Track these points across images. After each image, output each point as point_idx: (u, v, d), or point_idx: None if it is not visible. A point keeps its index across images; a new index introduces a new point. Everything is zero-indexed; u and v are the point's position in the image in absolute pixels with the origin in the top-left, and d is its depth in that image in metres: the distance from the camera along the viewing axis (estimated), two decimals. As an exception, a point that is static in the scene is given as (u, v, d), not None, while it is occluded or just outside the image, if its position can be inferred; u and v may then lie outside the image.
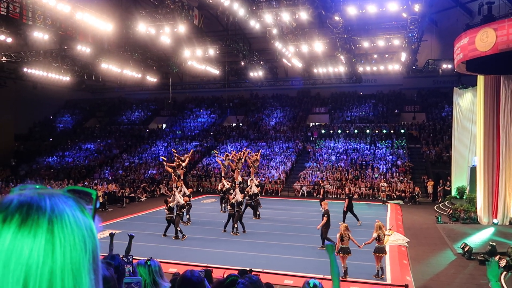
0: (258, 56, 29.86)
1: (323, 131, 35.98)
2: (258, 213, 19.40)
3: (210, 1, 18.20)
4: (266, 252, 13.29)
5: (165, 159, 21.87)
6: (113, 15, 19.18)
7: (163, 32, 20.43)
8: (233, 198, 16.13)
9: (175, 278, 4.05)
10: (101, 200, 21.78)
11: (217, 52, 27.38)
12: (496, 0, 18.62)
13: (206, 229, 16.91)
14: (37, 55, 25.38)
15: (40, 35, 19.10)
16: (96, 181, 29.45)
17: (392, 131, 34.14)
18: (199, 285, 2.58)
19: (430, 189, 26.46)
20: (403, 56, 26.86)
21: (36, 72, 27.98)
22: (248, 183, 20.33)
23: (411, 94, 38.60)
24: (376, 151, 32.20)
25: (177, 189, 17.00)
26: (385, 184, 26.66)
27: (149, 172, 33.06)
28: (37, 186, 0.75)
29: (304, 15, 18.57)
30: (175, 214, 15.51)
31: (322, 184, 26.79)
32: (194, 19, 19.67)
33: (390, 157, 31.02)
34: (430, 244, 14.80)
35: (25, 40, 20.55)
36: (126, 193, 25.83)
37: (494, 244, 12.66)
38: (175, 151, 21.70)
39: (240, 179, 21.26)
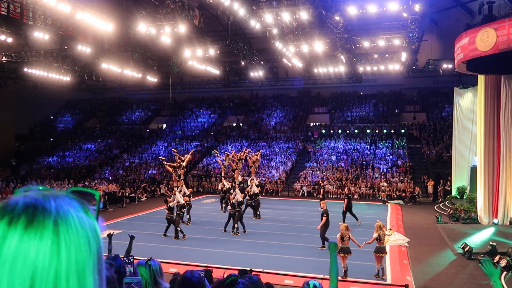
0: (258, 56, 29.86)
1: (323, 131, 35.98)
2: (258, 213, 19.39)
3: (211, 1, 18.20)
4: (266, 252, 13.29)
5: (164, 158, 21.88)
6: (113, 15, 19.18)
7: (164, 32, 20.43)
8: (234, 198, 16.13)
9: (175, 278, 4.05)
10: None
11: (218, 52, 27.37)
12: (497, 0, 18.60)
13: (206, 229, 16.91)
14: (38, 55, 25.39)
15: (40, 35, 19.11)
16: (96, 181, 29.46)
17: (392, 131, 34.14)
18: (199, 286, 2.58)
19: (430, 189, 26.45)
20: (404, 56, 26.85)
21: (36, 72, 27.99)
22: (249, 183, 20.33)
23: (411, 94, 38.59)
24: (377, 151, 32.19)
25: (177, 189, 17.00)
26: (386, 184, 26.65)
27: (150, 172, 33.07)
28: (40, 188, 0.75)
29: (304, 15, 18.56)
30: (175, 214, 15.51)
31: (322, 184, 26.80)
32: (195, 19, 19.67)
33: (391, 157, 31.02)
34: (431, 244, 14.80)
35: (25, 40, 20.57)
36: (127, 193, 25.84)
37: (494, 244, 12.66)
38: (176, 151, 21.69)
39: (240, 179, 21.26)
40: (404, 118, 36.64)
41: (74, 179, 31.14)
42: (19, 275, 0.64)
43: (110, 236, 6.95)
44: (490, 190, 17.44)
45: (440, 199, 24.98)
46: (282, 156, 33.30)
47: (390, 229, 15.24)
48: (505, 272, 11.04)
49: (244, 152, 22.37)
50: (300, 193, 28.37)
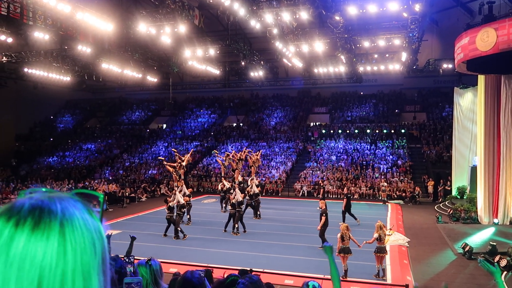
0: (258, 56, 29.85)
1: (323, 131, 35.98)
2: (258, 213, 19.39)
3: (211, 1, 18.20)
4: (266, 252, 13.29)
5: (163, 159, 21.89)
6: (113, 15, 19.18)
7: (164, 32, 20.43)
8: (234, 198, 16.13)
9: (175, 278, 4.05)
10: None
11: (218, 52, 27.37)
12: (497, 0, 18.60)
13: (206, 229, 16.91)
14: (38, 55, 25.38)
15: (40, 35, 19.10)
16: (96, 181, 29.46)
17: (392, 131, 34.14)
18: (199, 286, 2.58)
19: (430, 189, 26.45)
20: (404, 56, 26.85)
21: (36, 72, 27.99)
22: (249, 183, 20.33)
23: (411, 94, 38.59)
24: (377, 151, 32.19)
25: (177, 189, 17.00)
26: (386, 184, 26.65)
27: (150, 172, 33.07)
28: (44, 189, 0.77)
29: (304, 15, 18.56)
30: (175, 213, 15.52)
31: (322, 184, 26.80)
32: (195, 19, 19.67)
33: (391, 157, 31.02)
34: (431, 244, 14.80)
35: (25, 40, 20.57)
36: (127, 193, 25.84)
37: (494, 244, 12.65)
38: (176, 151, 21.69)
39: (240, 178, 21.26)
40: (404, 118, 36.64)
41: (74, 179, 31.14)
42: (26, 276, 0.65)
43: (108, 237, 6.94)
44: (490, 190, 17.43)
45: (440, 199, 24.97)
46: (282, 156, 33.30)
47: (390, 229, 15.22)
48: (505, 272, 11.04)
49: (244, 152, 22.37)
50: (300, 193, 28.37)
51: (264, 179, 29.58)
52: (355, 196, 26.61)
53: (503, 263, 11.15)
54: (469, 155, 23.37)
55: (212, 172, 31.82)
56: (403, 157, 30.66)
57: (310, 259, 12.54)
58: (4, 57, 25.88)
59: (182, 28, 19.78)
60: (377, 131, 34.59)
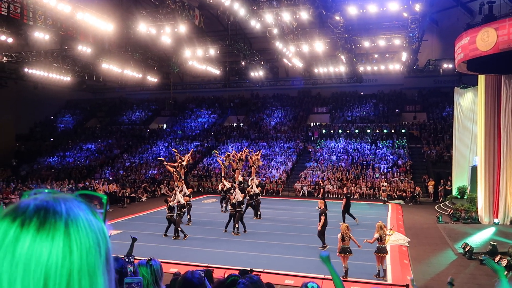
0: (258, 56, 29.85)
1: (323, 131, 35.97)
2: (259, 213, 19.39)
3: (211, 1, 18.20)
4: (267, 252, 13.29)
5: (163, 159, 21.90)
6: (113, 15, 19.18)
7: (164, 32, 20.43)
8: (234, 198, 16.14)
9: (175, 278, 4.05)
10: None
11: (218, 52, 27.37)
12: (497, 0, 18.59)
13: (207, 229, 16.91)
14: (38, 55, 25.39)
15: (41, 35, 19.11)
16: (97, 181, 29.47)
17: (393, 131, 34.13)
18: (200, 286, 2.57)
19: (431, 189, 26.44)
20: (404, 56, 26.84)
21: (37, 72, 28.00)
22: (249, 183, 20.33)
23: (412, 93, 38.58)
24: (377, 151, 32.19)
25: (178, 189, 17.00)
26: (386, 184, 26.64)
27: (150, 172, 33.08)
28: (47, 190, 0.78)
29: (304, 15, 18.55)
30: (175, 213, 15.52)
31: (322, 184, 26.80)
32: (195, 19, 19.67)
33: (391, 157, 31.01)
34: (431, 244, 14.79)
35: (26, 40, 20.57)
36: (127, 193, 25.84)
37: (495, 244, 12.65)
38: (176, 151, 21.70)
39: (240, 178, 21.26)
40: (405, 118, 36.63)
41: (74, 179, 31.14)
42: (32, 276, 0.66)
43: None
44: (490, 190, 17.43)
45: (441, 199, 24.97)
46: (283, 156, 33.30)
47: (391, 229, 15.22)
48: (505, 272, 11.03)
49: (245, 152, 22.37)
50: (301, 193, 28.37)
51: (264, 179, 29.58)
52: (356, 196, 26.61)
53: (504, 263, 11.14)
54: (469, 155, 23.37)
55: (212, 172, 31.82)
56: (403, 157, 30.65)
57: (310, 259, 12.53)
58: (4, 57, 25.89)
59: (182, 28, 19.79)
60: (377, 131, 34.58)
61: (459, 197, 22.96)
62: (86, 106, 48.51)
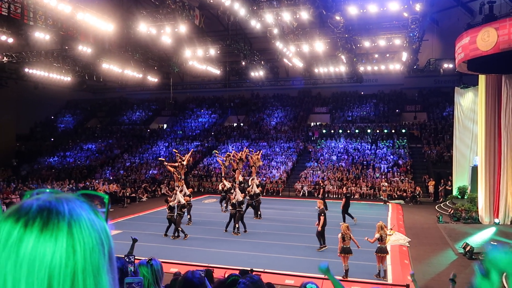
0: (259, 56, 29.85)
1: (324, 131, 35.97)
2: (259, 213, 19.39)
3: (211, 1, 18.20)
4: (267, 252, 13.28)
5: (164, 159, 21.90)
6: (114, 15, 19.18)
7: (164, 32, 20.44)
8: (234, 198, 16.14)
9: (176, 278, 4.05)
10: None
11: (218, 52, 27.37)
12: (497, 0, 18.58)
13: (207, 229, 16.91)
14: (38, 56, 25.40)
15: (41, 36, 19.11)
16: (97, 181, 29.48)
17: (393, 131, 34.12)
18: (200, 286, 2.58)
19: (431, 188, 26.43)
20: (404, 56, 26.83)
21: (37, 72, 28.01)
22: (249, 183, 20.33)
23: (412, 93, 38.56)
24: (377, 150, 32.18)
25: (178, 189, 17.00)
26: (386, 183, 26.63)
27: (150, 172, 33.08)
28: (48, 190, 0.78)
29: (305, 14, 18.55)
30: (175, 213, 15.52)
31: (321, 184, 26.80)
32: (195, 19, 19.67)
33: (391, 156, 31.00)
34: (431, 244, 14.79)
35: (26, 41, 20.56)
36: (127, 193, 25.85)
37: (495, 244, 12.63)
38: (177, 151, 21.71)
39: (241, 178, 21.26)
40: (405, 118, 36.62)
41: (75, 179, 31.15)
42: (36, 276, 0.66)
43: None
44: (491, 189, 17.42)
45: (441, 199, 24.96)
46: (283, 156, 33.30)
47: (391, 229, 15.23)
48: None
49: (245, 152, 22.38)
50: (301, 193, 28.37)
51: (264, 179, 29.58)
52: (356, 196, 26.62)
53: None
54: (470, 155, 23.36)
55: (212, 172, 31.83)
56: (403, 157, 30.64)
57: (310, 259, 12.53)
58: (4, 57, 25.90)
59: (183, 28, 19.79)
60: (377, 131, 34.58)
61: (459, 197, 22.95)
62: (87, 106, 48.52)
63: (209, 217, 19.56)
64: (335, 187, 27.95)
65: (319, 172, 30.12)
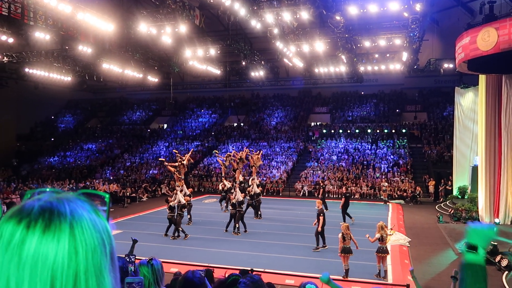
0: (259, 56, 29.85)
1: (324, 131, 35.97)
2: (259, 213, 19.39)
3: (211, 1, 18.20)
4: (267, 252, 13.29)
5: (164, 159, 21.90)
6: (114, 15, 19.19)
7: (164, 32, 20.44)
8: (234, 197, 16.14)
9: (176, 278, 4.05)
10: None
11: (218, 52, 27.38)
12: (498, 0, 18.58)
13: (207, 229, 16.91)
14: (39, 56, 25.41)
15: (41, 36, 19.12)
16: (97, 181, 29.49)
17: (393, 131, 34.12)
18: (201, 286, 2.58)
19: (431, 188, 26.43)
20: (405, 56, 26.83)
21: (37, 72, 28.02)
22: (250, 183, 20.33)
23: (412, 93, 38.56)
24: (378, 150, 32.17)
25: (179, 189, 17.00)
26: (387, 183, 26.62)
27: (151, 172, 33.09)
28: (48, 189, 0.78)
29: (305, 14, 18.55)
30: (176, 213, 15.53)
31: (321, 184, 26.79)
32: (195, 19, 19.68)
33: (392, 156, 30.99)
34: (432, 243, 14.79)
35: (26, 41, 20.58)
36: (128, 193, 25.85)
37: (495, 243, 12.63)
38: (177, 152, 21.72)
39: (241, 178, 21.27)
40: (405, 118, 36.62)
41: (75, 179, 31.17)
42: (39, 277, 0.67)
43: None
44: (491, 189, 17.41)
45: (441, 199, 24.95)
46: (283, 156, 33.30)
47: (391, 229, 15.23)
48: (506, 272, 11.04)
49: (245, 151, 22.38)
50: (301, 193, 28.36)
51: (265, 179, 29.58)
52: (356, 196, 26.63)
53: (504, 263, 11.14)
54: (470, 155, 23.35)
55: (213, 172, 31.84)
56: (404, 156, 30.64)
57: (311, 258, 12.54)
58: (5, 57, 25.91)
59: (183, 28, 19.79)
60: (378, 131, 34.57)
61: (459, 197, 22.95)
62: (87, 106, 48.53)
63: (209, 217, 19.56)
64: (335, 187, 27.95)
65: (319, 172, 30.12)
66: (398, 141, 32.78)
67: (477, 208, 18.25)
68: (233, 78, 36.23)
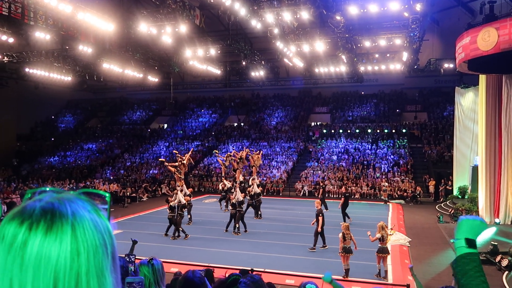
0: (259, 55, 29.85)
1: (324, 131, 35.97)
2: (259, 212, 19.39)
3: (212, 1, 18.20)
4: (267, 252, 13.29)
5: (164, 160, 21.91)
6: (114, 15, 19.19)
7: (165, 32, 20.44)
8: (234, 197, 16.14)
9: (176, 277, 4.06)
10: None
11: (219, 52, 27.38)
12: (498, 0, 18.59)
13: (207, 229, 16.92)
14: (39, 55, 25.41)
15: (41, 35, 19.12)
16: (98, 180, 29.50)
17: (393, 131, 34.12)
18: (201, 286, 2.58)
19: (431, 188, 26.43)
20: (405, 56, 26.83)
21: (37, 72, 28.02)
22: (250, 183, 20.33)
23: (412, 93, 38.56)
24: (378, 150, 32.17)
25: (179, 188, 17.00)
26: (387, 183, 26.62)
27: (151, 172, 33.09)
28: (47, 189, 0.78)
29: (305, 14, 18.55)
30: (176, 213, 15.53)
31: (321, 184, 26.81)
32: (196, 19, 19.67)
33: (392, 156, 30.99)
34: (432, 243, 14.79)
35: (26, 40, 20.58)
36: (128, 193, 25.86)
37: (496, 243, 12.63)
38: (177, 152, 21.73)
39: (241, 178, 21.27)
40: (405, 118, 36.62)
41: (75, 179, 31.17)
42: (42, 279, 0.67)
43: None
44: (491, 189, 17.41)
45: (442, 199, 24.95)
46: (283, 155, 33.30)
47: (392, 228, 15.23)
48: (506, 272, 11.04)
49: (245, 151, 22.38)
50: (301, 193, 28.36)
51: (265, 178, 29.59)
52: (356, 196, 26.63)
53: (505, 263, 11.14)
54: (470, 155, 23.35)
55: (213, 172, 31.84)
56: (404, 156, 30.64)
57: (311, 258, 12.54)
58: (5, 57, 25.92)
59: (183, 28, 19.79)
60: (378, 131, 34.57)
61: (460, 197, 22.95)
62: (87, 106, 48.54)
63: (209, 217, 19.57)
64: (335, 187, 27.94)
65: (319, 172, 30.11)
66: (398, 141, 32.78)
67: (477, 208, 18.25)
68: (233, 78, 36.23)
